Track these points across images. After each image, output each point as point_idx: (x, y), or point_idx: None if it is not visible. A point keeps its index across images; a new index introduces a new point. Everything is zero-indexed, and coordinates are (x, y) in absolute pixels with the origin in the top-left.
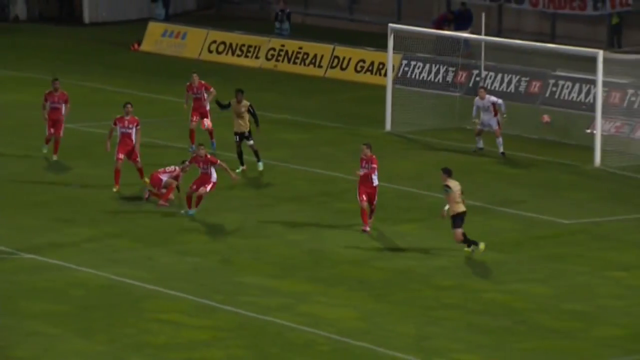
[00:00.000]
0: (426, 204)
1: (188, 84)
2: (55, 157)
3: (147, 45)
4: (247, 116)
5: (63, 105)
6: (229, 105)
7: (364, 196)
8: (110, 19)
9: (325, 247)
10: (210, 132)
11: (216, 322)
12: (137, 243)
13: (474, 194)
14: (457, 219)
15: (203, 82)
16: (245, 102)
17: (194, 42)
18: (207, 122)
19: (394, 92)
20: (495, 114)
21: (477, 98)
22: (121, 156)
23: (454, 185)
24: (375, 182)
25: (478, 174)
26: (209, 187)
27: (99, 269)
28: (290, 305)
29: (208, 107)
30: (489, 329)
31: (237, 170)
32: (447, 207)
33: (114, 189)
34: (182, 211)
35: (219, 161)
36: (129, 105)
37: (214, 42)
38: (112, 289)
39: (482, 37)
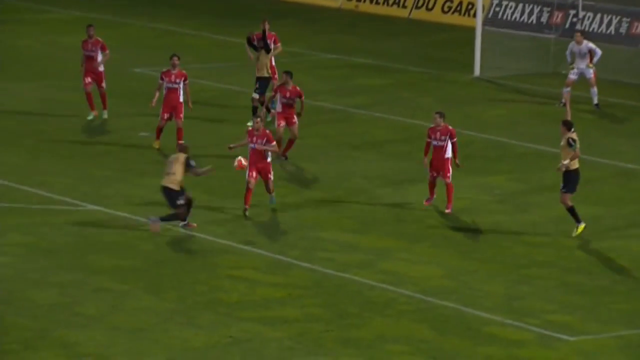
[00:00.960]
0: (516, 154)
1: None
2: (105, 114)
3: None
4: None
5: (99, 52)
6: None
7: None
8: None
9: (409, 200)
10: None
11: (292, 280)
12: (209, 196)
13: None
14: (574, 180)
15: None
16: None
17: None
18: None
19: (483, 34)
20: (591, 62)
21: (572, 43)
22: (165, 115)
23: (576, 138)
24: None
25: (575, 122)
26: (270, 173)
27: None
28: (370, 262)
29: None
30: (584, 288)
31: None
32: (567, 161)
33: (155, 146)
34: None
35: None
36: (175, 58)
37: None
38: (182, 243)
39: None
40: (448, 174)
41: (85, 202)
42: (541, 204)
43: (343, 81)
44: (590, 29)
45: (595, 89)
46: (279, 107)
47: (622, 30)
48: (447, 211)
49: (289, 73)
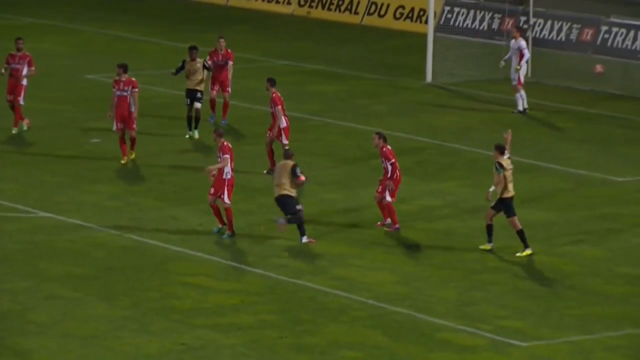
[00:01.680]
0: (469, 161)
1: (212, 49)
2: (14, 130)
3: None
4: (201, 75)
5: (25, 67)
6: (182, 66)
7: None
8: None
9: (362, 206)
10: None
11: (245, 286)
12: (161, 202)
13: (522, 150)
14: (511, 204)
15: (230, 50)
16: (200, 59)
17: None
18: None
19: (435, 41)
20: (520, 62)
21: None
22: (120, 125)
23: (507, 164)
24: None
25: (525, 129)
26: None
27: (121, 229)
28: (324, 268)
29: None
30: (537, 294)
31: (187, 136)
32: (492, 188)
33: (123, 161)
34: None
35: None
36: (120, 68)
37: None
38: (135, 250)
39: None
40: (381, 194)
41: (37, 209)
42: None
43: (296, 87)
44: (541, 36)
45: (519, 94)
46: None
47: (573, 36)
48: (394, 228)
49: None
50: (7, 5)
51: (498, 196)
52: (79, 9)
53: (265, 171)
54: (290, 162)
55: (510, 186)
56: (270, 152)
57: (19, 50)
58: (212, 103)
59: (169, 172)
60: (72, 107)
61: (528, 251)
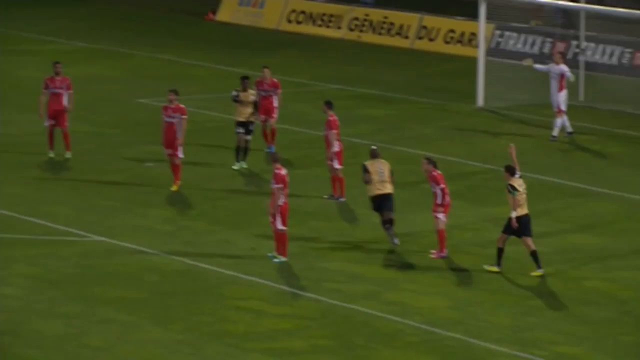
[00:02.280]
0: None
1: (258, 79)
2: (68, 155)
3: (223, 14)
4: (252, 106)
5: (65, 91)
6: (237, 99)
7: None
8: None
9: (414, 230)
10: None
11: (298, 310)
12: (214, 226)
13: (574, 175)
14: (526, 223)
15: (275, 79)
16: (252, 91)
17: (273, 11)
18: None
19: (486, 65)
20: (561, 89)
21: (552, 63)
22: (167, 151)
23: (519, 184)
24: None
25: (577, 153)
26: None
27: (174, 253)
28: (376, 292)
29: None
30: (591, 319)
31: (235, 167)
32: (514, 214)
33: (173, 188)
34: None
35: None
36: (172, 94)
37: (294, 11)
38: (188, 274)
39: (582, 5)
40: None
41: (91, 233)
42: (547, 234)
43: (347, 111)
44: (593, 60)
45: (560, 121)
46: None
47: (625, 61)
48: (440, 255)
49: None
50: (60, 30)
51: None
52: (131, 34)
53: (326, 196)
54: (386, 161)
55: (523, 206)
56: (334, 178)
57: (57, 74)
58: (264, 133)
59: (221, 195)
60: (124, 131)
61: (540, 272)
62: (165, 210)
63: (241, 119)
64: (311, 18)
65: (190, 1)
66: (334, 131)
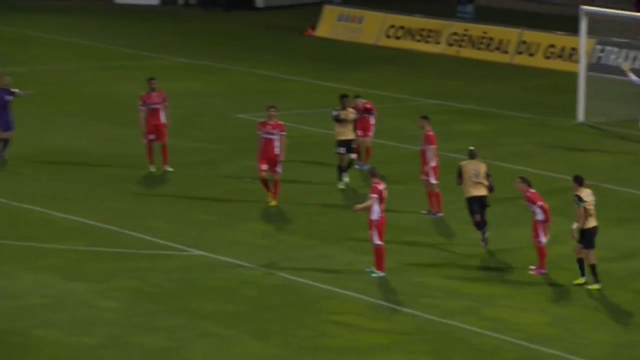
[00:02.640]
0: (620, 201)
1: (353, 104)
2: (169, 168)
3: (322, 30)
4: (352, 124)
5: (162, 106)
6: (338, 118)
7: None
8: (283, 3)
9: (512, 246)
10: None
11: (395, 326)
12: (311, 240)
13: None
14: (591, 236)
15: (368, 104)
16: (351, 109)
17: (371, 26)
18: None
19: (587, 80)
20: None
21: None
22: (264, 167)
23: (586, 195)
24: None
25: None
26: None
27: (272, 267)
28: (474, 308)
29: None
30: None
31: (340, 186)
32: (575, 225)
33: (271, 203)
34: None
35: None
36: (272, 110)
37: (392, 26)
38: (286, 288)
39: None
40: (536, 238)
41: (190, 247)
42: None
43: (445, 126)
44: None
45: None
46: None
47: None
48: (539, 271)
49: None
50: (160, 46)
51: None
52: (230, 50)
53: (424, 211)
54: (484, 163)
55: (592, 218)
56: (430, 193)
57: (152, 90)
58: (357, 149)
59: (318, 210)
60: (223, 146)
61: (597, 286)
62: (264, 225)
63: (342, 138)
64: (410, 33)
65: (289, 17)
66: (434, 146)
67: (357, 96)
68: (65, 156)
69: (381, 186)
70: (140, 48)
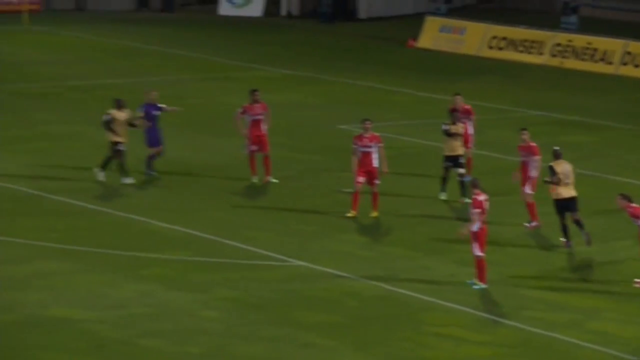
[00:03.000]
0: None
1: (451, 107)
2: (272, 179)
3: (424, 41)
4: (460, 139)
5: (264, 117)
6: (448, 132)
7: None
8: (385, 14)
9: (616, 258)
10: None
11: (498, 338)
12: (413, 252)
13: None
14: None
15: (467, 106)
16: (461, 124)
17: (474, 37)
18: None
19: None
20: None
21: None
22: (361, 179)
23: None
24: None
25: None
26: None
27: (373, 278)
28: (578, 321)
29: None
30: None
31: (441, 197)
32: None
33: (349, 214)
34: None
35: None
36: (367, 123)
37: (495, 37)
38: (387, 299)
39: None
40: None
41: (291, 258)
42: None
43: (549, 138)
44: None
45: None
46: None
47: None
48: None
49: None
50: (265, 57)
51: None
52: (333, 61)
53: (526, 223)
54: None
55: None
56: (530, 205)
57: (255, 101)
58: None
59: (419, 221)
60: (323, 157)
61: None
62: (364, 236)
63: (451, 154)
64: (512, 44)
65: (391, 28)
66: (538, 157)
67: (457, 94)
68: (169, 166)
69: (482, 197)
70: (243, 59)
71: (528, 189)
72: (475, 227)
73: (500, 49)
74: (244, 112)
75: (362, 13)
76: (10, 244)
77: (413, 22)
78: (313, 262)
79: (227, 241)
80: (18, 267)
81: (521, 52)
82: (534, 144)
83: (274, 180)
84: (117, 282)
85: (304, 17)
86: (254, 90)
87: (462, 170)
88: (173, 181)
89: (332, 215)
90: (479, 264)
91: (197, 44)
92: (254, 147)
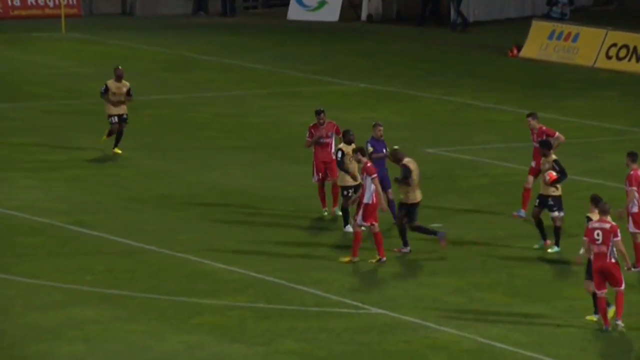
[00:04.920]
0: None
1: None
2: (338, 212)
3: (529, 50)
4: None
5: (333, 139)
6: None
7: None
8: (484, 18)
9: None
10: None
11: None
12: (511, 298)
13: None
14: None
15: (544, 127)
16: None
17: (588, 44)
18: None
19: None
20: None
21: None
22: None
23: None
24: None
25: None
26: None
27: (464, 329)
28: None
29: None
30: None
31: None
32: (582, 250)
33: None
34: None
35: None
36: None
37: (614, 45)
38: (481, 354)
39: None
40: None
41: (367, 304)
42: None
43: None
44: None
45: None
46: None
47: None
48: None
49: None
50: (339, 69)
51: None
52: (419, 73)
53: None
54: None
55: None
56: (636, 246)
57: (321, 123)
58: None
59: (519, 263)
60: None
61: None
62: (455, 278)
63: (541, 192)
64: (635, 53)
65: (491, 36)
66: (633, 188)
67: (530, 114)
68: (225, 197)
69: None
70: (315, 72)
71: (632, 227)
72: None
73: (620, 59)
74: (310, 135)
75: (455, 16)
76: (40, 287)
77: (517, 26)
78: (393, 309)
79: (291, 284)
80: (48, 315)
81: None
82: (635, 172)
83: (339, 213)
84: (163, 332)
85: (388, 22)
86: (319, 112)
87: (555, 214)
88: (231, 213)
89: (418, 255)
90: (600, 304)
91: (263, 53)
92: (321, 175)
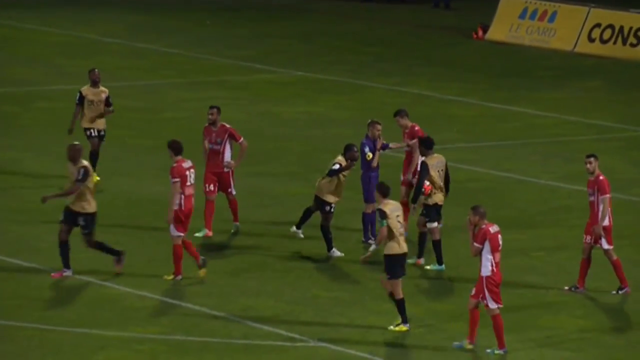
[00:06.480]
0: None
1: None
2: (237, 225)
3: (497, 31)
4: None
5: (227, 145)
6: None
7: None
8: None
9: None
10: None
11: None
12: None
13: None
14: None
15: (417, 127)
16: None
17: (567, 25)
18: None
19: None
20: None
21: None
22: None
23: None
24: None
25: None
26: None
27: None
28: None
29: None
30: None
31: None
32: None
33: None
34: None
35: None
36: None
37: (597, 25)
38: None
39: None
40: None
41: (305, 336)
42: None
43: None
44: None
45: None
46: None
47: None
48: None
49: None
50: (270, 54)
51: None
52: (366, 59)
53: (614, 291)
54: None
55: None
56: (614, 264)
57: (213, 122)
58: None
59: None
60: (353, 193)
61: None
62: (410, 304)
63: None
64: (621, 34)
65: (452, 14)
66: (606, 196)
67: (398, 112)
68: (135, 207)
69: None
70: (243, 57)
71: (605, 244)
72: None
73: (605, 41)
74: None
75: None
76: None
77: (482, 4)
78: (336, 342)
79: (214, 312)
80: None
81: (634, 45)
82: (602, 177)
83: (236, 225)
84: None
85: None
86: (212, 108)
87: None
88: (140, 228)
89: (362, 274)
90: None
91: (179, 36)
92: (211, 187)
